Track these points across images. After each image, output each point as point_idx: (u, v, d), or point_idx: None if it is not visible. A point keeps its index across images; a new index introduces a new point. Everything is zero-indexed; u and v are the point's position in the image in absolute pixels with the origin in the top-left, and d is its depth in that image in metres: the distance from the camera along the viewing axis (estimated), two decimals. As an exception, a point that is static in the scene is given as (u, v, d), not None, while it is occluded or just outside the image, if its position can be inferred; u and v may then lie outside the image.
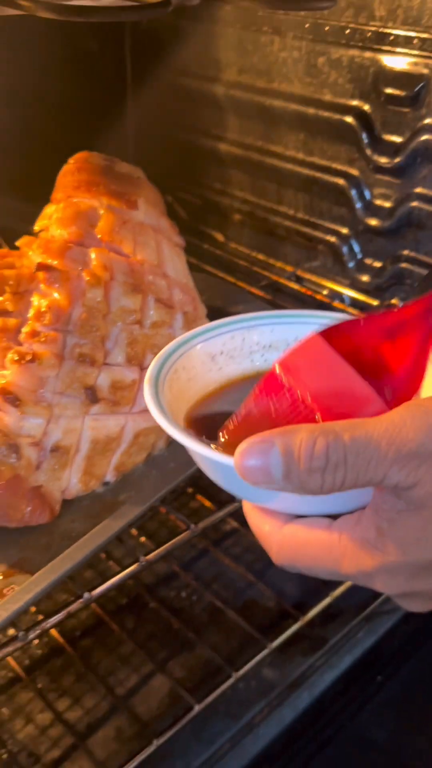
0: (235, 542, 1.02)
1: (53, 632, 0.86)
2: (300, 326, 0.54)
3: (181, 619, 0.89)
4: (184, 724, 0.76)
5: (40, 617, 0.61)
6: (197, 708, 0.76)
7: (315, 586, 0.93)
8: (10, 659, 0.83)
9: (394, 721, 0.87)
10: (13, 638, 0.55)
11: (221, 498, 0.90)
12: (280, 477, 0.36)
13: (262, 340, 0.55)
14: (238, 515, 1.00)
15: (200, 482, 1.03)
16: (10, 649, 0.55)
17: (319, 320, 0.54)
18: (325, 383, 0.42)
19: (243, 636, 0.88)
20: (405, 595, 0.40)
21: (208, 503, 1.00)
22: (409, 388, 0.45)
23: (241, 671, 0.80)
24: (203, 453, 0.41)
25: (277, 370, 0.43)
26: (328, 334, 0.45)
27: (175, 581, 0.96)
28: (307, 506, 0.40)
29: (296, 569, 0.41)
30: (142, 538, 0.97)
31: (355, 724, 0.87)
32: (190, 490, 1.02)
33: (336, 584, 0.91)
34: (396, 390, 0.45)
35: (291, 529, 0.41)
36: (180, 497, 1.01)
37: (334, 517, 0.40)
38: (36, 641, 0.87)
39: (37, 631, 0.57)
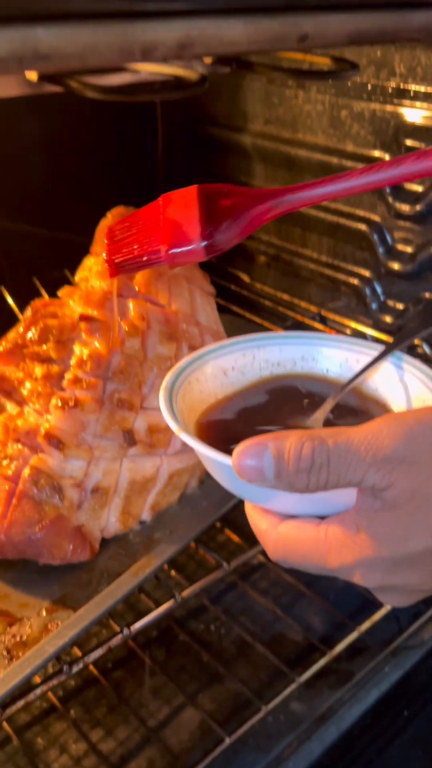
0: (262, 576, 1.04)
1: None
2: (305, 346, 0.59)
3: (210, 652, 0.91)
4: (216, 756, 0.78)
5: (78, 652, 0.64)
6: (228, 740, 0.78)
7: (341, 620, 0.94)
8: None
9: (422, 757, 0.88)
10: (58, 672, 0.58)
11: (248, 532, 0.93)
12: (272, 476, 0.40)
13: (271, 358, 0.59)
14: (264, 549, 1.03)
15: (229, 516, 1.06)
16: (54, 682, 0.58)
17: (321, 341, 0.59)
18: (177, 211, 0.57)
19: (271, 669, 0.90)
20: (383, 589, 0.45)
21: (235, 538, 1.02)
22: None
23: (271, 704, 0.82)
24: (208, 454, 0.45)
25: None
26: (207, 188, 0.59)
27: (204, 615, 0.98)
28: (301, 507, 0.45)
29: (289, 564, 0.46)
30: (172, 572, 0.99)
31: (383, 759, 0.88)
32: (218, 524, 1.05)
33: (362, 618, 0.93)
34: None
35: (285, 528, 0.45)
36: (208, 531, 1.04)
37: (323, 518, 0.45)
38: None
39: (80, 666, 0.60)
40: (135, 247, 0.58)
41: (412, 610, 0.99)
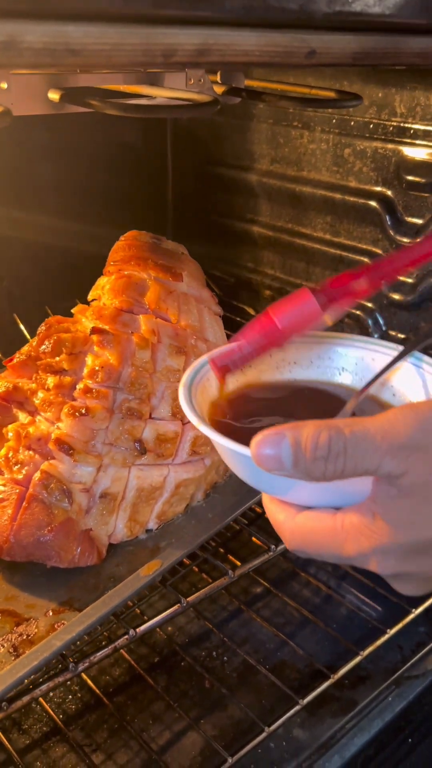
0: (266, 604, 1.04)
1: (88, 683, 0.88)
2: (321, 345, 0.61)
3: (213, 678, 0.91)
4: (217, 779, 0.76)
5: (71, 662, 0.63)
6: (230, 761, 0.77)
7: (345, 648, 0.94)
8: (48, 708, 0.84)
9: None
10: (64, 670, 0.58)
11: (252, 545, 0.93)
12: (290, 465, 0.41)
13: (288, 356, 0.61)
14: (268, 575, 1.03)
15: (230, 545, 1.06)
16: (60, 679, 0.58)
17: (337, 340, 0.60)
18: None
19: (274, 696, 0.89)
20: (397, 576, 0.45)
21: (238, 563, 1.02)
22: None
23: (273, 726, 0.81)
24: (227, 445, 0.46)
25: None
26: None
27: (207, 641, 0.97)
28: (317, 498, 0.46)
29: (306, 554, 0.47)
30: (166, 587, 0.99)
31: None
32: (221, 550, 1.05)
33: (365, 644, 0.92)
34: None
35: (302, 518, 0.46)
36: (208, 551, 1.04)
37: (339, 508, 0.45)
38: (70, 697, 0.89)
39: (86, 664, 0.60)
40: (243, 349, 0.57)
41: (416, 639, 0.98)
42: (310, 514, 0.46)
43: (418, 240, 0.60)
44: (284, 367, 0.61)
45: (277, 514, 0.48)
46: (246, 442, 0.43)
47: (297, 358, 0.61)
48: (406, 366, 0.57)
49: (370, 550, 0.43)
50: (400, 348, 0.58)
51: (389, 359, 0.57)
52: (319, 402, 0.59)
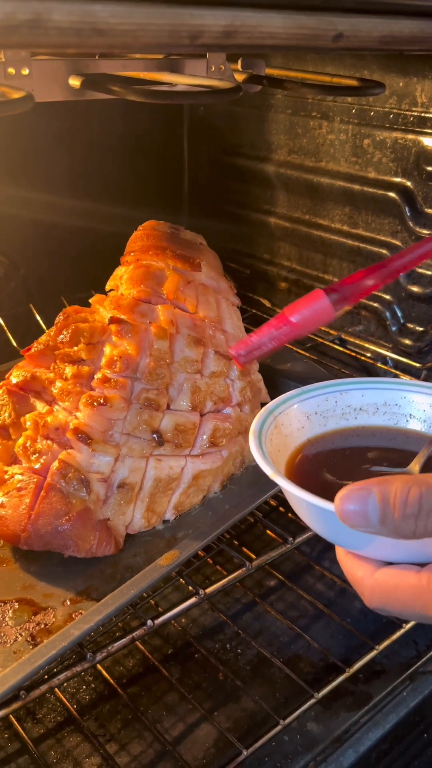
0: (280, 597, 1.03)
1: (103, 673, 0.88)
2: (389, 392, 0.59)
3: (227, 671, 0.90)
4: (232, 770, 0.76)
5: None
6: (245, 753, 0.77)
7: (360, 642, 0.93)
8: (62, 698, 0.84)
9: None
10: (81, 659, 0.58)
11: (266, 538, 0.93)
12: (376, 522, 0.40)
13: (354, 403, 0.60)
14: (282, 568, 1.02)
15: (244, 537, 1.06)
16: (77, 668, 0.58)
17: (405, 386, 0.59)
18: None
19: (288, 689, 0.89)
20: None
21: (252, 555, 1.02)
22: None
23: (288, 719, 0.81)
24: (308, 500, 0.45)
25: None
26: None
27: (222, 633, 0.97)
28: (399, 554, 0.44)
29: (388, 612, 0.44)
30: (182, 580, 0.98)
31: (401, 782, 0.86)
32: (236, 542, 1.04)
33: (380, 639, 0.92)
34: None
35: (383, 574, 0.44)
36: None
37: (423, 565, 0.43)
38: (84, 687, 0.89)
39: (104, 654, 0.60)
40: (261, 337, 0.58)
41: (431, 635, 0.98)
42: (392, 571, 0.44)
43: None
44: (350, 413, 0.60)
45: (355, 571, 0.46)
46: (321, 495, 0.42)
47: (363, 404, 0.60)
48: None
49: None
50: None
51: None
52: (391, 450, 0.58)
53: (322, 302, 0.55)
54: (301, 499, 0.46)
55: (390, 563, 0.45)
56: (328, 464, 0.55)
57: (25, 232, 1.20)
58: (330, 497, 0.43)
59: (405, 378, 1.05)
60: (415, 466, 0.52)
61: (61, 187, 1.22)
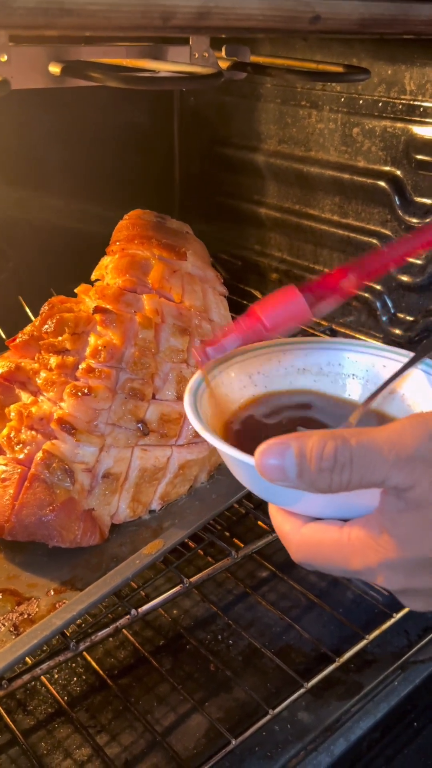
0: (272, 588, 1.03)
1: (93, 665, 0.88)
2: (331, 351, 0.59)
3: (218, 661, 0.90)
4: (221, 760, 0.76)
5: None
6: (234, 743, 0.77)
7: (351, 632, 0.93)
8: (52, 690, 0.84)
9: (430, 765, 0.86)
10: (64, 648, 0.58)
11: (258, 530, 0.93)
12: (294, 476, 0.40)
13: (297, 363, 0.59)
14: (274, 559, 1.02)
15: (236, 528, 1.06)
16: (61, 658, 0.58)
17: (347, 346, 0.59)
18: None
19: (279, 679, 0.89)
20: (405, 592, 0.44)
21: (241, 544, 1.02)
22: None
23: (278, 709, 0.81)
24: (231, 453, 0.45)
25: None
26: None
27: (213, 624, 0.97)
28: (323, 510, 0.45)
29: (312, 566, 0.45)
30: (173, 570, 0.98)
31: (391, 768, 0.86)
32: (227, 534, 1.04)
33: (371, 629, 0.92)
34: None
35: (308, 530, 0.45)
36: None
37: (346, 521, 0.44)
38: (75, 679, 0.89)
39: (87, 643, 0.60)
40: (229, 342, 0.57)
41: (422, 624, 0.98)
42: (316, 526, 0.45)
43: (410, 234, 0.60)
44: (293, 374, 0.59)
45: (282, 525, 0.47)
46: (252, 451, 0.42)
47: (306, 365, 0.59)
48: (416, 373, 0.55)
49: (376, 565, 0.42)
50: (411, 355, 0.57)
51: (400, 366, 0.56)
52: (328, 416, 0.58)
53: (298, 303, 0.54)
54: (226, 454, 0.46)
55: (316, 519, 0.45)
56: (264, 426, 0.55)
57: (14, 224, 1.19)
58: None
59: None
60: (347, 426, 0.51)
61: (51, 178, 1.21)
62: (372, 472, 0.39)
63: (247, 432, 0.53)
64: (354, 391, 0.59)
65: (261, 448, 0.41)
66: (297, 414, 0.58)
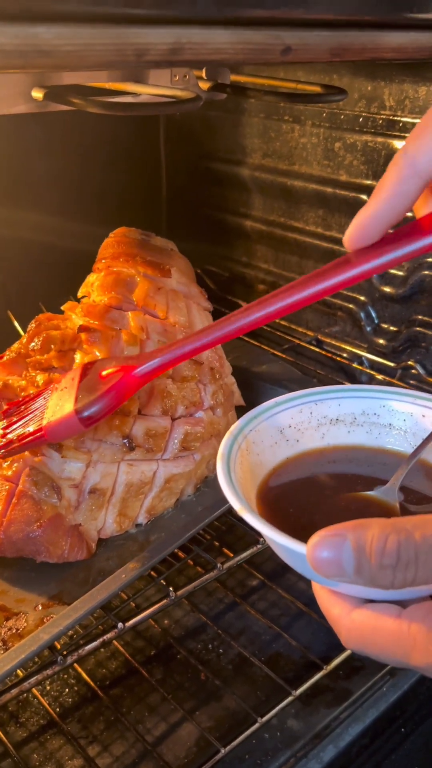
0: (261, 596, 1.04)
1: (84, 676, 0.89)
2: (367, 400, 0.56)
3: (208, 671, 0.91)
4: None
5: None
6: (223, 751, 0.78)
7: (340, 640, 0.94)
8: (44, 702, 0.85)
9: (419, 770, 0.88)
10: (52, 662, 0.59)
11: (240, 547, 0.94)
12: (351, 571, 0.37)
13: (330, 414, 0.56)
14: (263, 568, 1.04)
15: (225, 538, 1.07)
16: (49, 672, 0.59)
17: (384, 394, 0.56)
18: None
19: (269, 688, 0.90)
20: None
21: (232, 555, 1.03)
22: None
23: (266, 717, 0.82)
24: (279, 541, 0.42)
25: None
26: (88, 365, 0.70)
27: (203, 634, 0.98)
28: (377, 593, 0.40)
29: (365, 654, 0.42)
30: (162, 582, 1.00)
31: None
32: (216, 543, 1.05)
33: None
34: None
35: (360, 615, 0.41)
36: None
37: (403, 603, 0.41)
38: (66, 690, 0.90)
39: (74, 656, 0.61)
40: (20, 428, 0.69)
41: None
42: (370, 613, 0.40)
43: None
44: (326, 425, 0.56)
45: (331, 609, 0.42)
46: (296, 526, 0.41)
47: (339, 415, 0.56)
48: None
49: None
50: None
51: None
52: (369, 469, 0.55)
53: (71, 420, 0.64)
54: (271, 539, 0.43)
55: (368, 600, 0.42)
56: (303, 491, 0.52)
57: (2, 239, 1.20)
58: (304, 530, 0.41)
59: (380, 378, 1.06)
60: (394, 484, 0.49)
61: (39, 194, 1.23)
62: None
63: (285, 500, 0.50)
64: (393, 442, 0.56)
65: (314, 540, 0.37)
66: (336, 469, 0.55)
